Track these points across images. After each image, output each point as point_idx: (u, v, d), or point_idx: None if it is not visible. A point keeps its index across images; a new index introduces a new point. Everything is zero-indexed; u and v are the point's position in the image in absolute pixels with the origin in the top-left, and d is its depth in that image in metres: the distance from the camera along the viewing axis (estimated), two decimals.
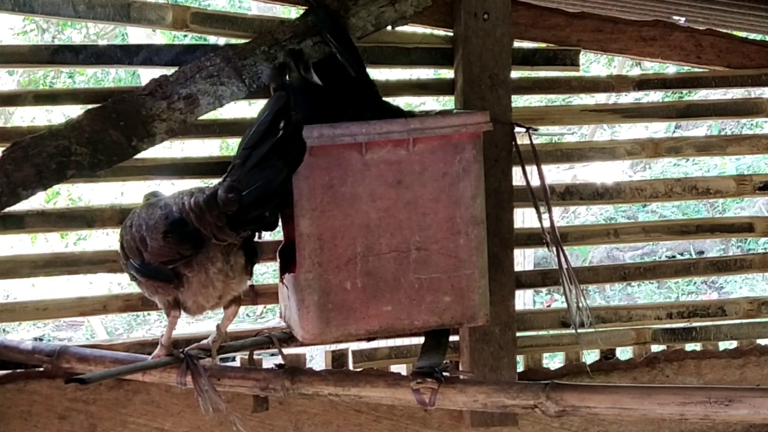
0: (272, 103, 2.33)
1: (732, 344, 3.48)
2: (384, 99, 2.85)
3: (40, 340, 8.33)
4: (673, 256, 8.88)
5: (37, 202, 3.75)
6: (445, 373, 2.45)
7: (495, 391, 2.39)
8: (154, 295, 2.53)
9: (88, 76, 10.35)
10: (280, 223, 2.67)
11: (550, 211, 3.01)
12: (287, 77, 2.68)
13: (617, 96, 3.88)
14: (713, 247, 9.07)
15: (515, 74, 3.16)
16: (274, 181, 2.30)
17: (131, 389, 3.00)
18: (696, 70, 3.45)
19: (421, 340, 2.69)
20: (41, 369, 2.91)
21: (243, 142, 2.35)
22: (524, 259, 7.55)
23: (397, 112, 2.73)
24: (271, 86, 2.75)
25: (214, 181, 2.44)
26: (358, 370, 3.15)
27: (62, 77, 10.65)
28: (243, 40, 2.88)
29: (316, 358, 6.22)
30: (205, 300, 2.50)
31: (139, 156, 2.80)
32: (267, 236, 2.84)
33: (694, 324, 3.43)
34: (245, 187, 2.29)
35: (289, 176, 2.36)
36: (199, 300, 2.49)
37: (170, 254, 2.40)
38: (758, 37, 3.60)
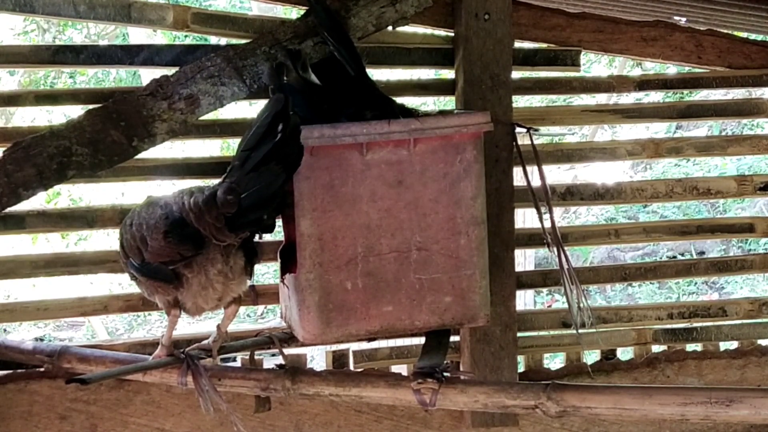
0: (271, 105, 2.34)
1: (733, 345, 3.48)
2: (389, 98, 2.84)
3: (41, 340, 8.33)
4: (674, 257, 8.87)
5: (37, 202, 3.74)
6: (445, 374, 2.45)
7: (496, 392, 2.39)
8: (154, 294, 2.53)
9: (88, 77, 10.34)
10: (280, 223, 2.67)
11: (551, 212, 3.01)
12: (285, 77, 2.68)
13: (618, 96, 3.88)
14: (714, 248, 9.06)
15: (516, 74, 3.16)
16: (272, 186, 2.31)
17: (132, 389, 3.00)
18: (697, 70, 3.45)
19: (421, 340, 2.69)
20: (42, 369, 2.91)
21: (242, 144, 2.36)
22: (525, 260, 7.54)
23: (401, 111, 2.73)
24: (269, 87, 2.75)
25: (215, 182, 2.44)
26: (359, 370, 3.15)
27: (63, 77, 10.64)
28: (244, 41, 2.88)
29: (317, 358, 6.22)
30: (205, 302, 2.50)
31: (139, 156, 2.80)
32: (268, 236, 2.83)
33: (695, 324, 3.43)
34: (244, 189, 2.29)
35: (287, 180, 2.37)
36: (199, 301, 2.49)
37: (170, 254, 2.40)
38: (759, 37, 3.60)
